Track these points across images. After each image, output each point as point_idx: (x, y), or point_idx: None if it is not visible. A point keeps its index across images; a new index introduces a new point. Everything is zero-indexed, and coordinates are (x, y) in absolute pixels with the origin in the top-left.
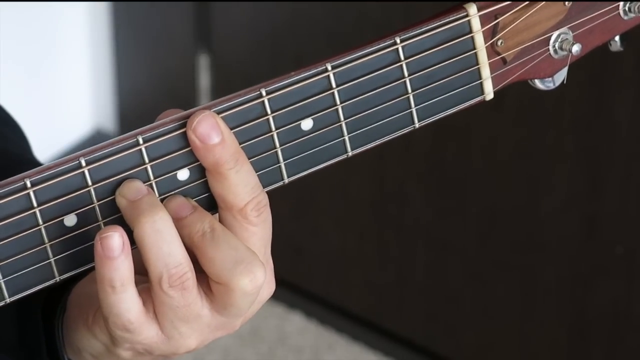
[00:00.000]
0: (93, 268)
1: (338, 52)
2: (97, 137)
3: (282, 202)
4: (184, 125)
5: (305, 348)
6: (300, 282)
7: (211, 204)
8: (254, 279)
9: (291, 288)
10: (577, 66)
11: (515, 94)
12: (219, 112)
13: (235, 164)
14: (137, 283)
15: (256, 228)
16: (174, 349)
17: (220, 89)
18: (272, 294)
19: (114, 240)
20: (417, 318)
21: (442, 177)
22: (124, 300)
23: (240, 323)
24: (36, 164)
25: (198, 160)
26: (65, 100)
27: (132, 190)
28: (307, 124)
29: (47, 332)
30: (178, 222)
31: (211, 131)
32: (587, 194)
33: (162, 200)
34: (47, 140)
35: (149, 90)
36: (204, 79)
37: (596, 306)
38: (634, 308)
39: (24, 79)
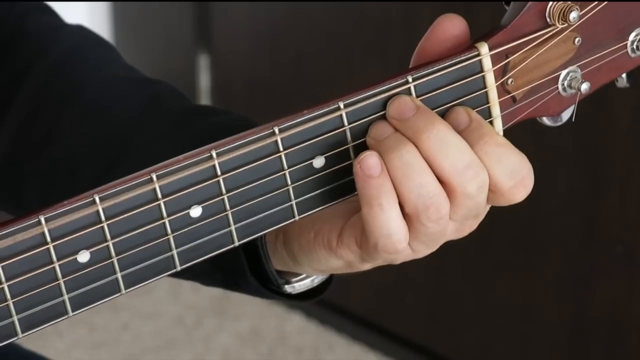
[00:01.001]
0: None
1: (350, 91)
2: None
3: None
4: (197, 162)
5: (305, 348)
6: None
7: (221, 243)
8: (481, 182)
9: None
10: None
11: None
12: (232, 146)
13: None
14: None
15: None
16: (410, 258)
17: (220, 89)
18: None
19: (372, 159)
20: (417, 318)
21: None
22: (394, 217)
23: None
24: (152, 79)
25: (211, 198)
26: None
27: (378, 131)
28: (319, 162)
29: (247, 253)
30: (402, 123)
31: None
32: (587, 194)
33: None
34: None
35: None
36: (204, 79)
37: (596, 306)
38: (634, 308)
39: None
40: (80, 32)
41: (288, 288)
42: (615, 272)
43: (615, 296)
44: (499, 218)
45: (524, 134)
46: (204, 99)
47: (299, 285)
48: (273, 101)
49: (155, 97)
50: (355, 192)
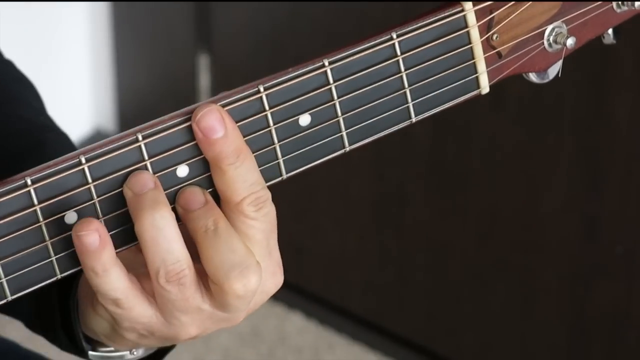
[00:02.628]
0: None
1: (335, 48)
2: (97, 137)
3: (282, 202)
4: (183, 121)
5: (305, 348)
6: (300, 282)
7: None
8: (247, 283)
9: (291, 288)
10: (577, 66)
11: (515, 94)
12: (221, 103)
13: (235, 159)
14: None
15: (255, 222)
16: (174, 334)
17: (220, 89)
18: (279, 285)
19: (90, 238)
20: (417, 318)
21: (442, 177)
22: (108, 281)
23: (244, 316)
24: (49, 127)
25: (197, 157)
26: (65, 100)
27: (138, 183)
28: (305, 120)
29: (63, 308)
30: (186, 214)
31: (215, 125)
32: (587, 194)
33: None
34: None
35: (149, 90)
36: (204, 79)
37: (596, 306)
38: (634, 308)
39: None
40: (6, 67)
41: (91, 354)
42: (615, 272)
43: (615, 296)
44: (499, 218)
45: (524, 134)
46: (204, 99)
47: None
48: None
49: (40, 144)
50: (341, 151)
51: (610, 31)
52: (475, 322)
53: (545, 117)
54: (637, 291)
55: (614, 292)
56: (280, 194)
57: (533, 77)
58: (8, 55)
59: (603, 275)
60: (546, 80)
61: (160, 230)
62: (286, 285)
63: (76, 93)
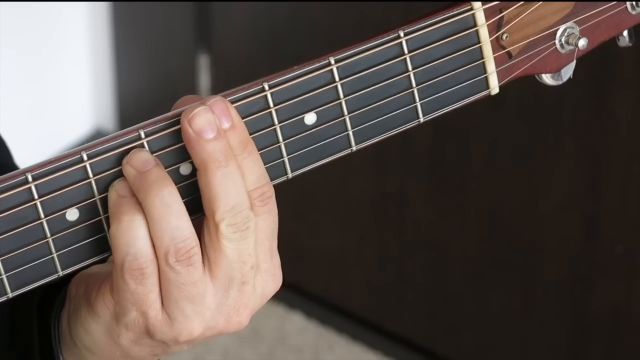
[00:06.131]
0: (94, 262)
1: (341, 47)
2: (97, 137)
3: (282, 202)
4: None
5: (305, 348)
6: (300, 282)
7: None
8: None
9: (291, 288)
10: (577, 66)
11: (516, 94)
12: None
13: (242, 151)
14: None
15: (259, 218)
16: (175, 334)
17: (220, 89)
18: (278, 288)
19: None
20: (417, 318)
21: (442, 177)
22: (142, 237)
23: (245, 316)
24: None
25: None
26: (65, 100)
27: (141, 161)
28: (310, 118)
29: (42, 331)
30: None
31: (222, 117)
32: (587, 194)
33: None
34: (47, 140)
35: (149, 90)
36: (204, 79)
37: (596, 306)
38: (634, 308)
39: (24, 78)
40: None
41: None
42: (615, 272)
43: (615, 296)
44: (499, 218)
45: (524, 134)
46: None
47: None
48: None
49: None
50: (347, 150)
51: (625, 33)
52: (475, 322)
53: (545, 117)
54: (637, 291)
55: (614, 292)
56: (281, 193)
57: (546, 78)
58: (8, 55)
59: (603, 275)
60: (560, 83)
61: (169, 207)
62: (286, 285)
63: (76, 93)
